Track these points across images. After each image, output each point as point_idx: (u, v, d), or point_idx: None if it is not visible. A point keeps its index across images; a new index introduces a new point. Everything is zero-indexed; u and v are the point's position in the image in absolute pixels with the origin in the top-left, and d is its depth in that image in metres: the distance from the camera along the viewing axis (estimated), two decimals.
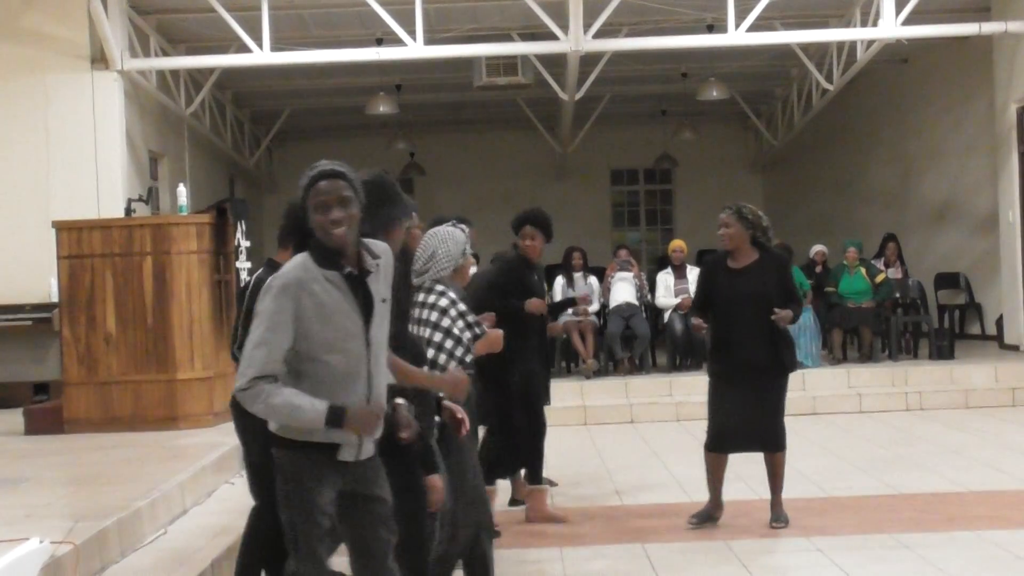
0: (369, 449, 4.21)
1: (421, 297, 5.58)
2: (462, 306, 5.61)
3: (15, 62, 13.78)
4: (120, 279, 10.41)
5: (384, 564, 4.22)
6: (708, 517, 7.66)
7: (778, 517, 7.55)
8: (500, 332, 5.91)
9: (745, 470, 8.27)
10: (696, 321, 7.80)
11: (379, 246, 4.23)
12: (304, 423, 4.03)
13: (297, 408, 4.00)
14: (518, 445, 7.86)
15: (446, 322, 5.50)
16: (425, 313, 5.53)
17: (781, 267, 7.66)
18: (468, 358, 5.55)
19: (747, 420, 7.50)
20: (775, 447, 7.62)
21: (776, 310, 7.28)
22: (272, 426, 4.16)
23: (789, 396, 13.35)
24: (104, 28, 13.32)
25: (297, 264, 4.08)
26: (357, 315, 4.10)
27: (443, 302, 5.56)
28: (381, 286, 4.19)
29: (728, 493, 8.04)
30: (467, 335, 5.54)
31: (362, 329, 4.11)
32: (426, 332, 5.45)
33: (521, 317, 7.75)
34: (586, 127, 21.36)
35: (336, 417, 4.01)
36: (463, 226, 6.03)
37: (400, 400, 4.41)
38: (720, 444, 7.65)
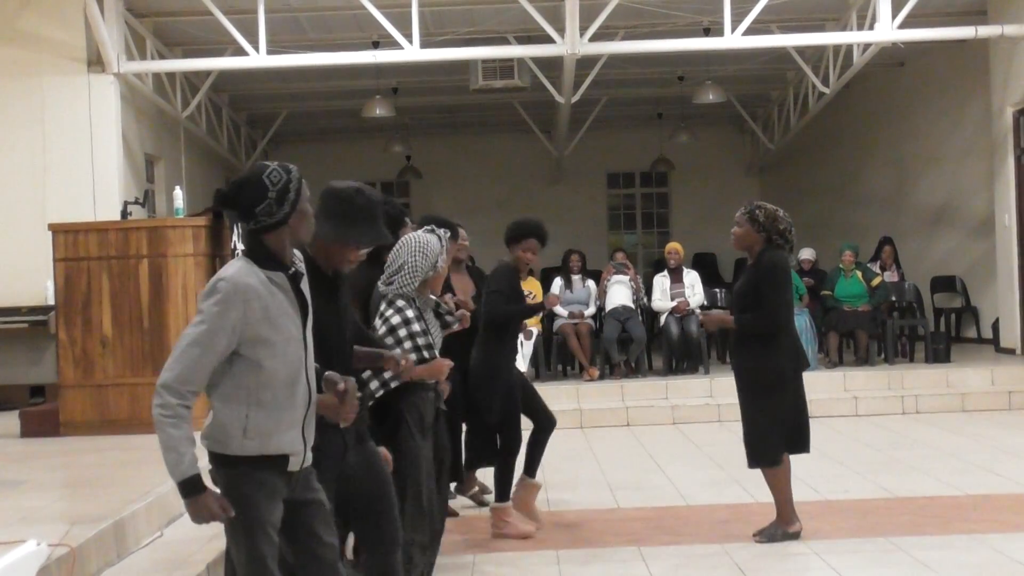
0: (310, 457, 4.13)
1: (381, 307, 5.54)
2: (416, 327, 5.48)
3: (11, 64, 13.77)
4: (116, 282, 10.39)
5: (335, 567, 4.16)
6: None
7: (763, 531, 7.21)
8: (446, 363, 5.66)
9: (743, 474, 8.27)
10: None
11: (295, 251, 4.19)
12: (167, 464, 3.84)
13: (174, 451, 3.81)
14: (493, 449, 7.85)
15: (390, 340, 5.43)
16: (378, 324, 5.52)
17: (761, 269, 7.13)
18: (394, 383, 5.40)
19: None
20: (748, 460, 7.24)
21: (709, 312, 7.12)
22: (210, 445, 3.99)
23: None
24: (100, 31, 13.32)
25: (240, 267, 3.96)
26: (297, 317, 4.03)
27: (395, 319, 5.47)
28: (307, 289, 4.15)
29: (726, 497, 8.06)
30: (411, 357, 5.33)
31: (301, 331, 4.03)
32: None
33: (515, 325, 7.77)
34: (582, 130, 21.39)
35: (190, 489, 3.86)
36: (442, 231, 5.78)
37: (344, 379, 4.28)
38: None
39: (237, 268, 3.96)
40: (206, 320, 3.88)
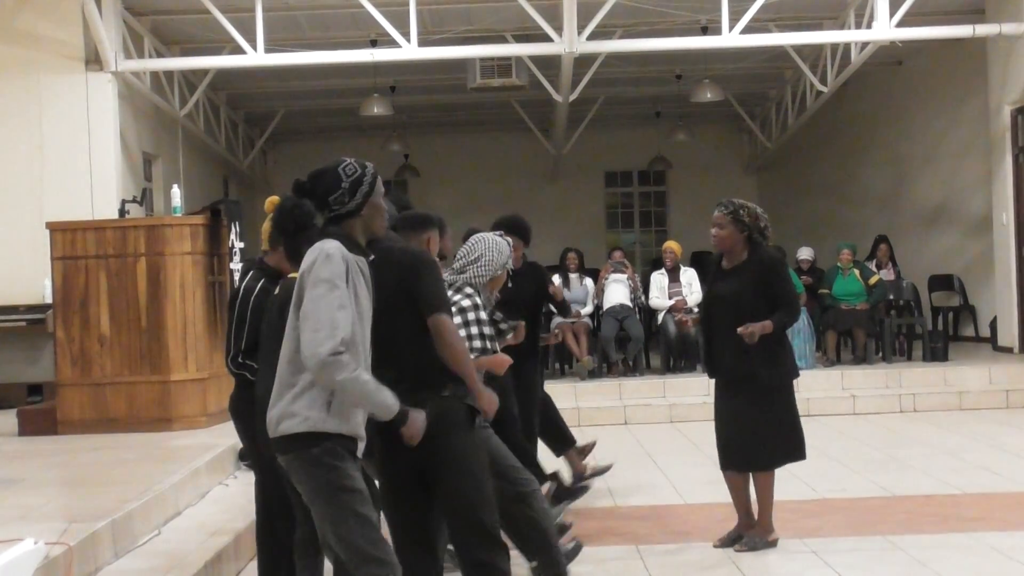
0: (363, 449, 4.31)
1: (449, 294, 5.52)
2: (483, 314, 5.54)
3: (9, 63, 13.76)
4: (114, 280, 10.40)
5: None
6: (735, 538, 7.11)
7: (748, 539, 7.03)
8: (507, 359, 5.70)
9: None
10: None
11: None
12: (377, 407, 4.16)
13: (382, 390, 4.15)
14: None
15: (459, 322, 5.45)
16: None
17: (767, 270, 6.94)
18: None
19: (729, 435, 7.05)
20: (746, 465, 7.06)
21: (748, 325, 6.73)
22: (295, 426, 4.13)
23: None
24: (98, 29, 13.31)
25: (336, 245, 4.17)
26: (370, 302, 4.26)
27: (466, 303, 5.51)
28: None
29: (724, 496, 8.03)
30: (475, 343, 5.42)
31: (370, 316, 4.25)
32: None
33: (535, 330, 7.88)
34: (580, 129, 21.38)
35: (402, 417, 4.24)
36: (508, 239, 5.95)
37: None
38: (721, 460, 7.15)
39: (334, 244, 4.17)
40: (338, 282, 4.07)
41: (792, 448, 7.05)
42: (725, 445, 7.08)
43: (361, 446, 4.26)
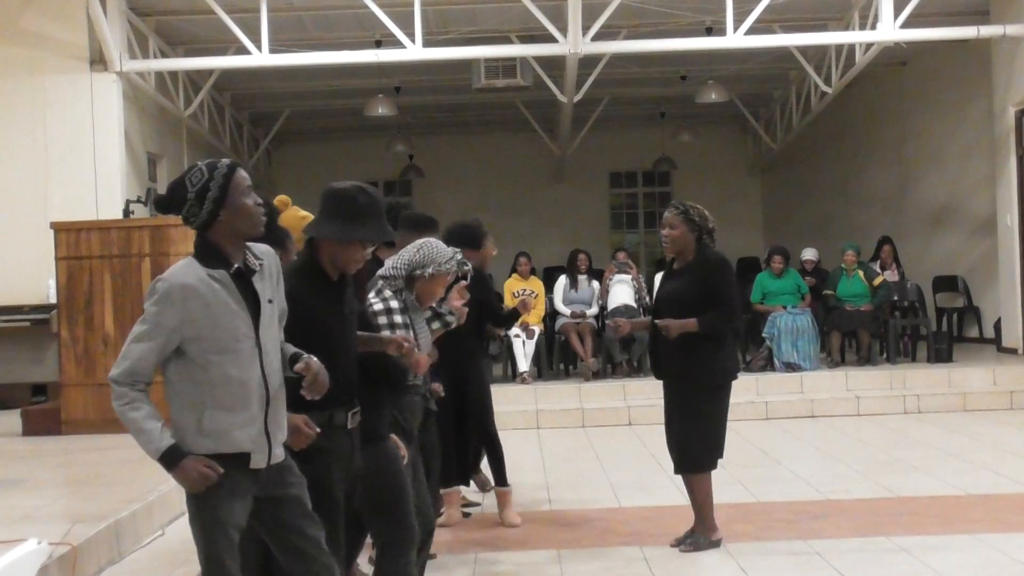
0: (279, 454, 4.13)
1: (370, 296, 5.34)
2: (398, 318, 5.27)
3: (14, 63, 13.79)
4: (118, 280, 10.41)
5: (319, 559, 4.15)
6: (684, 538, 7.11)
7: (686, 539, 7.03)
8: (424, 357, 5.63)
9: (742, 474, 8.27)
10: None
11: (261, 248, 4.17)
12: (142, 446, 3.95)
13: (142, 431, 3.91)
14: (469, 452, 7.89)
15: (384, 323, 5.32)
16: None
17: (711, 270, 6.90)
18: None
19: (669, 435, 7.09)
20: (677, 466, 7.06)
21: (666, 319, 6.79)
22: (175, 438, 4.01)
23: (788, 399, 13.44)
24: (103, 29, 13.33)
25: (180, 267, 4.01)
26: (246, 314, 4.02)
27: (377, 307, 5.25)
28: (267, 286, 4.12)
29: (725, 496, 8.04)
30: (409, 335, 5.24)
31: (252, 329, 4.02)
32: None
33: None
34: (585, 129, 21.39)
35: (170, 460, 3.92)
36: (457, 252, 5.55)
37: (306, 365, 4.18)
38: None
39: (177, 268, 4.02)
40: (147, 319, 3.95)
41: (709, 451, 6.95)
42: (668, 446, 7.13)
43: (258, 457, 4.04)
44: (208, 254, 4.02)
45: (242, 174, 4.07)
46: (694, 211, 6.95)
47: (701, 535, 7.00)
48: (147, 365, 3.95)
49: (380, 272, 5.40)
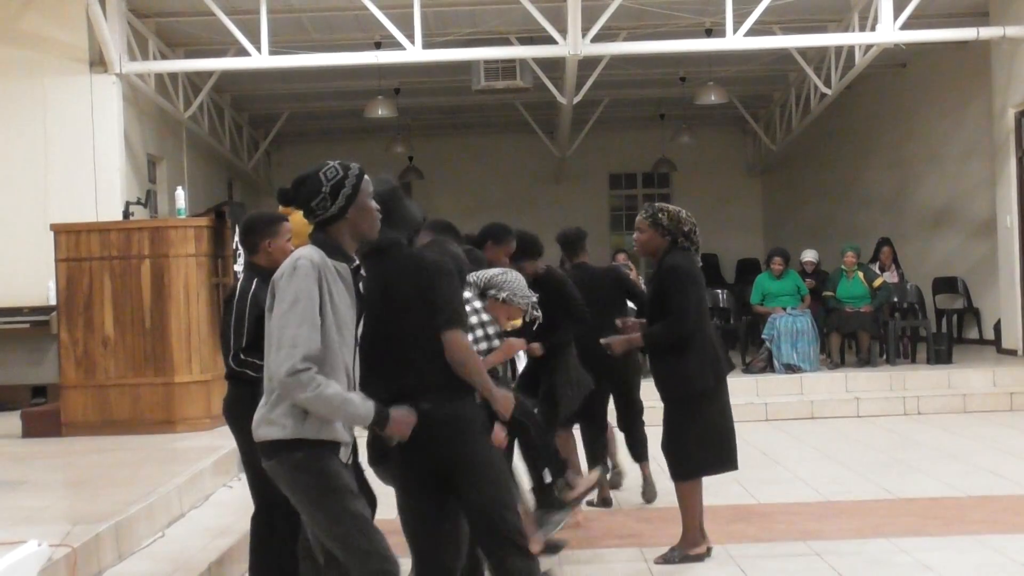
0: (348, 454, 4.29)
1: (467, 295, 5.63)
2: (484, 315, 5.64)
3: (13, 65, 13.77)
4: (118, 282, 10.40)
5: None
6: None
7: (663, 554, 6.84)
8: (518, 342, 5.81)
9: (742, 474, 8.25)
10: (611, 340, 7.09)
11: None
12: (346, 418, 4.11)
13: (349, 401, 4.07)
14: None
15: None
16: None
17: (663, 277, 6.74)
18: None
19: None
20: (670, 472, 6.93)
21: (611, 337, 6.79)
22: (274, 433, 4.11)
23: (788, 401, 13.43)
24: (103, 31, 13.32)
25: (312, 250, 4.14)
26: (354, 310, 4.20)
27: (476, 303, 5.64)
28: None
29: (725, 497, 8.04)
30: (481, 346, 5.53)
31: (355, 323, 4.20)
32: None
33: None
34: (584, 131, 21.39)
35: (382, 418, 4.17)
36: (534, 298, 5.91)
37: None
38: None
39: (310, 250, 4.15)
40: (297, 298, 4.03)
41: (687, 461, 6.79)
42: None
43: (345, 450, 4.21)
44: (331, 248, 4.19)
45: (368, 179, 4.31)
46: (663, 214, 6.81)
47: (678, 549, 6.81)
48: (316, 342, 4.03)
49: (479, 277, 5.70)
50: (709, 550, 6.88)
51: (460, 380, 4.65)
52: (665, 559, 6.79)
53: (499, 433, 5.00)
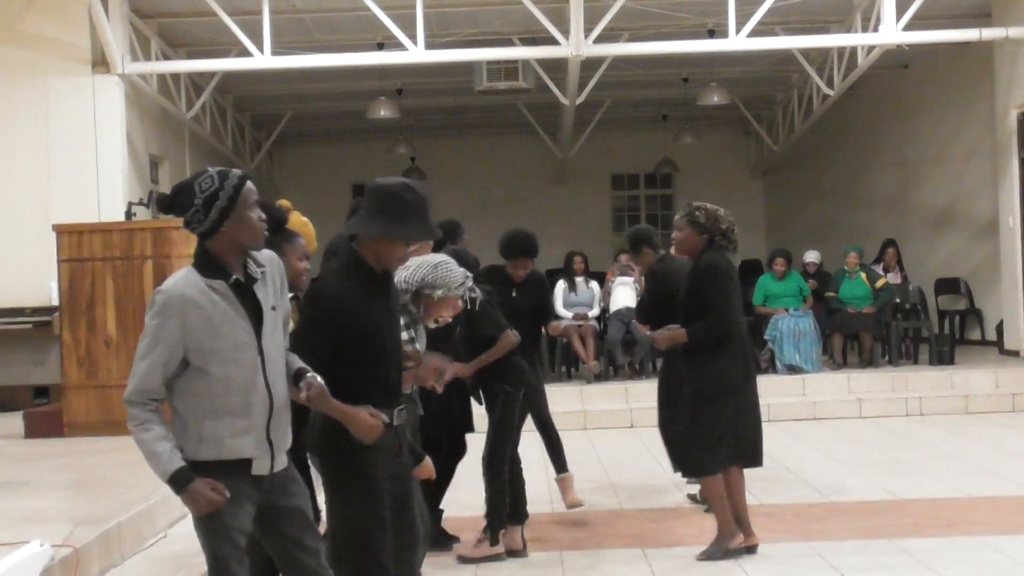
0: (283, 461, 4.13)
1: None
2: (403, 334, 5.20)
3: (16, 65, 13.79)
4: (120, 282, 10.41)
5: (318, 572, 4.15)
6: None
7: (703, 551, 6.91)
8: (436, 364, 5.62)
9: (745, 474, 8.25)
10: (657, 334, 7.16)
11: (264, 255, 4.13)
12: (152, 469, 3.97)
13: (152, 454, 3.93)
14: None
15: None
16: None
17: (699, 276, 6.79)
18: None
19: (664, 432, 7.18)
20: (674, 465, 7.08)
21: (659, 330, 6.83)
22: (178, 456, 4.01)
23: (790, 401, 13.43)
24: (105, 31, 13.34)
25: (179, 278, 3.99)
26: (247, 323, 3.99)
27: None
28: (269, 294, 4.09)
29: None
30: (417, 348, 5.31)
31: (253, 338, 4.00)
32: None
33: None
34: (587, 132, 21.39)
35: (178, 482, 3.93)
36: (469, 278, 5.64)
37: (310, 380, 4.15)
38: None
39: (175, 280, 4.01)
40: (148, 333, 3.96)
41: (704, 454, 6.82)
42: (664, 442, 7.21)
43: (260, 463, 4.04)
44: (207, 264, 4.00)
45: (251, 187, 4.02)
46: (701, 212, 6.85)
47: (715, 545, 6.87)
48: (155, 381, 3.96)
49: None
50: (754, 547, 6.88)
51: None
52: (706, 555, 6.84)
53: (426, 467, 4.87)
